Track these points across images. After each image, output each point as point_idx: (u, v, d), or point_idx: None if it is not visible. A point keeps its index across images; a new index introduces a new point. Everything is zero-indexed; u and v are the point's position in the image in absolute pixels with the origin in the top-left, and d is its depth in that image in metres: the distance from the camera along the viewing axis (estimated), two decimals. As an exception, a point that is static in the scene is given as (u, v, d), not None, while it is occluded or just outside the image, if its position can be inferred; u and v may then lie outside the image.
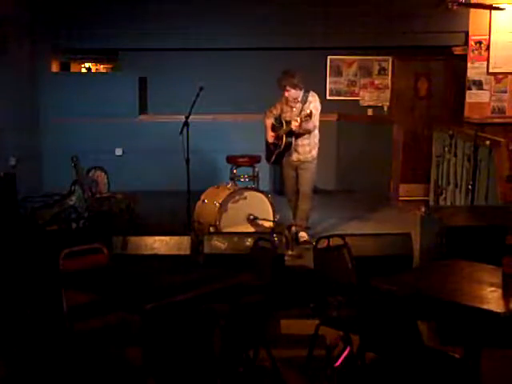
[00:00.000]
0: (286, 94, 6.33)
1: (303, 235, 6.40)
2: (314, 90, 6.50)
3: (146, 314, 3.16)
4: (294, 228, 6.53)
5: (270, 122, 6.55)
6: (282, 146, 6.38)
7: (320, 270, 4.08)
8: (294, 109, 6.36)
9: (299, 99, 6.33)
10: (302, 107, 6.29)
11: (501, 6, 8.37)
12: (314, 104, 6.30)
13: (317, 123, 6.36)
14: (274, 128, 6.51)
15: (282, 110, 6.48)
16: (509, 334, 3.37)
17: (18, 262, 5.17)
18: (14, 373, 4.08)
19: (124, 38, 8.96)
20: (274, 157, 6.54)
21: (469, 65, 8.73)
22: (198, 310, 3.46)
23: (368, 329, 3.35)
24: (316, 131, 6.39)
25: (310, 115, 6.13)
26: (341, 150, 9.40)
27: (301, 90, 6.34)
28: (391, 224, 6.98)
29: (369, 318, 3.30)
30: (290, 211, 6.71)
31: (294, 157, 6.40)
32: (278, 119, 6.51)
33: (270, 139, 6.52)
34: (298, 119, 6.15)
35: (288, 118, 6.36)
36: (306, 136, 6.33)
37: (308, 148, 6.37)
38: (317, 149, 6.43)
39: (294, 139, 6.34)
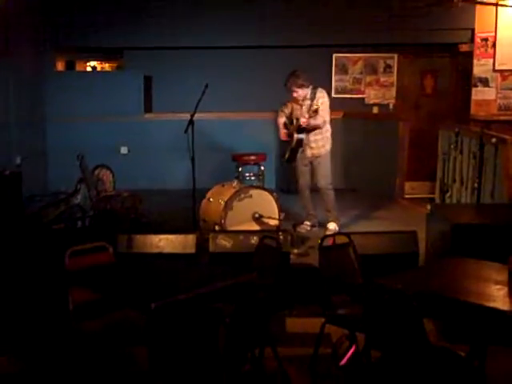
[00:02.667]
0: (295, 94, 6.44)
1: (331, 227, 6.52)
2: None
3: (151, 313, 3.16)
4: (303, 225, 6.55)
5: (282, 120, 6.66)
6: (294, 143, 6.48)
7: (325, 268, 4.07)
8: (304, 106, 6.44)
9: (308, 97, 6.42)
10: (311, 104, 6.37)
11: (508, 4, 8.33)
12: (321, 100, 6.39)
13: (327, 118, 6.47)
14: (286, 126, 6.63)
15: (292, 108, 6.58)
16: (515, 332, 3.36)
17: (23, 260, 5.18)
18: (21, 371, 4.09)
19: (129, 37, 8.96)
20: (287, 154, 6.62)
21: (475, 62, 8.69)
22: (203, 309, 3.46)
23: (374, 327, 3.34)
24: (328, 126, 6.51)
25: (316, 111, 6.26)
26: (346, 148, 9.38)
27: (308, 87, 6.43)
28: (397, 222, 6.97)
29: (374, 317, 3.29)
30: (302, 209, 6.76)
31: (308, 152, 6.52)
32: (290, 118, 6.62)
33: (283, 137, 6.64)
34: (306, 115, 6.27)
35: (298, 116, 6.45)
36: (317, 131, 6.44)
37: (321, 143, 6.49)
38: (330, 143, 6.55)
39: (305, 135, 6.43)
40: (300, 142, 6.46)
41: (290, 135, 6.54)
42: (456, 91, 9.16)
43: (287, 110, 6.63)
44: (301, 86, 6.39)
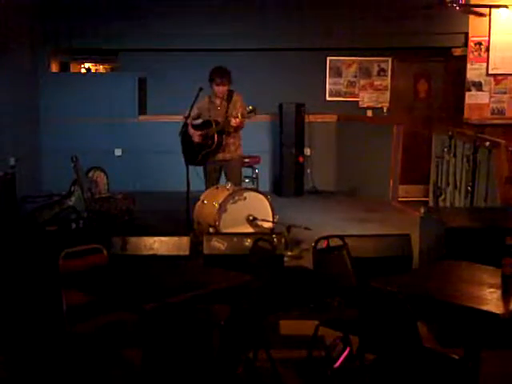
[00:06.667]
0: (220, 88, 6.24)
1: None
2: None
3: (145, 315, 3.16)
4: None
5: (190, 121, 6.41)
6: (214, 146, 6.28)
7: (319, 270, 4.08)
8: (219, 107, 6.32)
9: (225, 97, 6.30)
10: (228, 105, 6.25)
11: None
12: (240, 103, 6.28)
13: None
14: (197, 127, 6.41)
15: (203, 109, 6.39)
16: (508, 334, 3.38)
17: (17, 262, 5.17)
18: (14, 374, 4.08)
19: (124, 39, 8.96)
20: (200, 156, 6.39)
21: (468, 66, 8.73)
22: (197, 311, 3.46)
23: (367, 330, 3.35)
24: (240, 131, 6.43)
25: (253, 111, 6.07)
26: (340, 151, 9.41)
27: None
28: (391, 225, 6.98)
29: (368, 319, 3.30)
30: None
31: (221, 155, 6.36)
32: (202, 119, 6.43)
33: (197, 139, 6.37)
34: (239, 115, 6.08)
35: (214, 117, 6.29)
36: (232, 135, 6.32)
37: (233, 147, 6.39)
38: (241, 148, 6.49)
39: (224, 137, 6.29)
40: (220, 144, 6.27)
41: (208, 137, 6.29)
42: (449, 95, 9.20)
43: (197, 111, 6.39)
44: (229, 83, 6.26)
